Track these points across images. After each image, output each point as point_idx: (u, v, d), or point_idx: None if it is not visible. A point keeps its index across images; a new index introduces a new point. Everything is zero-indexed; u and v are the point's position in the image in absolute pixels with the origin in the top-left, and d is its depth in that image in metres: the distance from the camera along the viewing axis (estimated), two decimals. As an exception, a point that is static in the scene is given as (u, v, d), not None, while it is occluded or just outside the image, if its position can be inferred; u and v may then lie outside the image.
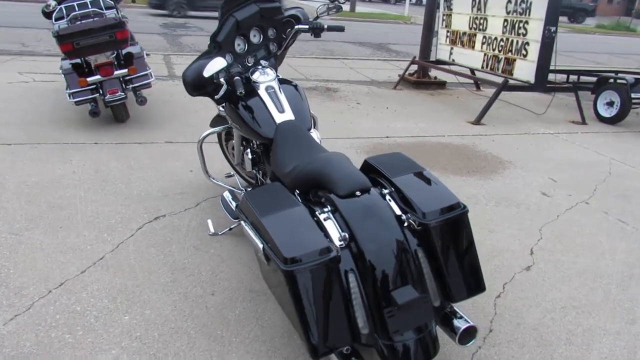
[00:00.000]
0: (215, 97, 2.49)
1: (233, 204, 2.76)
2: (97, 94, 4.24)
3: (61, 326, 2.06)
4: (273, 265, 1.65)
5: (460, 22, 6.81)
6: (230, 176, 3.26)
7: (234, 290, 2.39)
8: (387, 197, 1.91)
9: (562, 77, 6.91)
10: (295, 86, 2.67)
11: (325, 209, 1.84)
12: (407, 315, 1.69)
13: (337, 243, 1.73)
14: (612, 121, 6.13)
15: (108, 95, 4.23)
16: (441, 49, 7.32)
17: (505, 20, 5.94)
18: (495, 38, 6.14)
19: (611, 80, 6.30)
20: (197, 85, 2.47)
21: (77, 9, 4.26)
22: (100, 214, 2.98)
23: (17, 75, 6.14)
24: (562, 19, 28.28)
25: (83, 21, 4.09)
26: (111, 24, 3.99)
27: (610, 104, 6.17)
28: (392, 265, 1.71)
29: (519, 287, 2.59)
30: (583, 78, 6.87)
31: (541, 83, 5.64)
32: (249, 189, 2.98)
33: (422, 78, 7.60)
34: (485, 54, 6.35)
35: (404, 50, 11.77)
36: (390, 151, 2.19)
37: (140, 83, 4.42)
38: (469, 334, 1.79)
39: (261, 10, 2.61)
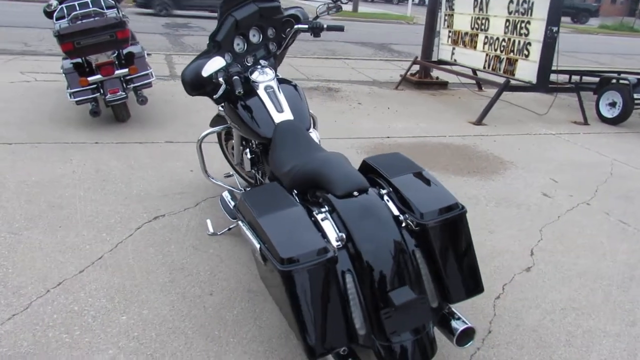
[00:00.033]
0: (214, 96, 2.49)
1: (232, 204, 2.75)
2: (98, 94, 4.24)
3: (58, 326, 2.06)
4: (270, 265, 1.64)
5: (462, 22, 6.80)
6: (230, 176, 3.26)
7: (232, 290, 2.39)
8: (385, 197, 1.90)
9: (564, 78, 6.89)
10: (295, 86, 2.66)
11: (323, 209, 1.83)
12: (405, 316, 1.68)
13: (335, 243, 1.72)
14: (614, 122, 6.11)
15: (109, 95, 4.24)
16: (443, 49, 7.30)
17: (507, 21, 5.92)
18: (497, 38, 6.12)
19: (614, 81, 6.27)
20: (196, 84, 2.46)
21: (78, 8, 4.26)
22: (99, 214, 2.98)
23: (19, 74, 6.15)
24: (565, 19, 28.23)
25: (84, 21, 4.10)
26: (112, 24, 3.99)
27: (613, 104, 6.14)
28: (389, 266, 1.70)
29: (518, 288, 2.58)
30: (585, 78, 6.85)
31: (543, 83, 5.62)
32: (248, 189, 2.98)
33: (424, 78, 7.59)
34: (487, 54, 6.34)
35: (406, 50, 11.75)
36: (391, 151, 2.18)
37: (141, 83, 4.42)
38: (467, 335, 1.78)
39: (260, 9, 2.61)
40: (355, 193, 1.82)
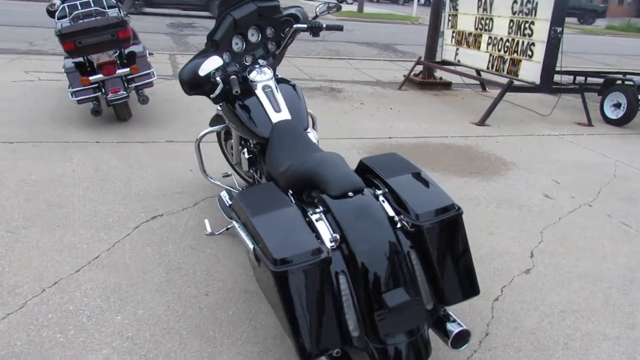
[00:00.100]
0: (211, 96, 2.48)
1: (229, 204, 2.74)
2: (99, 93, 4.25)
3: (53, 325, 2.06)
4: (263, 266, 1.63)
5: (466, 23, 6.77)
6: (228, 176, 3.25)
7: (229, 290, 2.38)
8: (381, 198, 1.88)
9: (568, 79, 6.84)
10: (293, 86, 2.65)
11: (317, 210, 1.82)
12: (398, 318, 1.67)
13: (328, 244, 1.71)
14: (618, 123, 6.05)
15: (110, 94, 4.24)
16: (447, 50, 7.27)
17: (511, 21, 5.88)
18: (501, 39, 6.08)
19: (618, 82, 6.22)
20: (194, 84, 2.45)
21: (79, 7, 4.27)
22: (98, 213, 2.98)
23: (22, 74, 6.17)
24: (572, 20, 28.12)
25: (85, 20, 4.10)
26: (113, 23, 3.99)
27: (617, 105, 6.09)
28: (383, 267, 1.68)
29: (517, 290, 2.55)
30: (590, 79, 6.79)
31: (547, 84, 5.58)
32: (242, 189, 2.97)
33: (427, 79, 7.56)
34: (490, 55, 6.30)
35: (411, 50, 11.72)
36: (393, 152, 2.16)
37: (143, 82, 4.43)
38: (462, 337, 1.76)
39: (259, 9, 2.60)
40: (350, 193, 1.80)
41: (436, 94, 7.20)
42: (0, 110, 4.67)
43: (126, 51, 4.43)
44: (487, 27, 6.34)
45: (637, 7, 38.02)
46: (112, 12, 4.33)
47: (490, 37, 6.29)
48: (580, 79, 6.84)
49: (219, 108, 2.83)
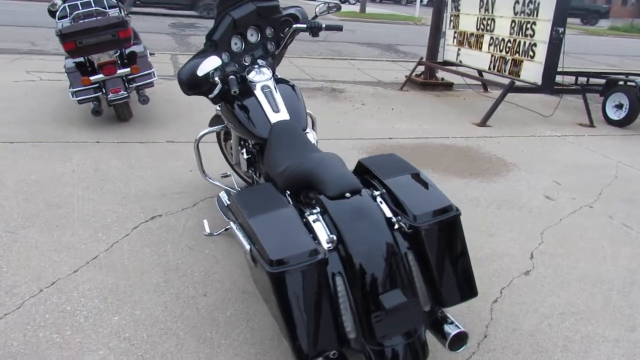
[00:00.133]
0: (210, 96, 2.47)
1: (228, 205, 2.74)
2: (100, 93, 4.25)
3: (50, 326, 2.05)
4: (260, 267, 1.62)
5: (468, 23, 6.75)
6: (227, 176, 3.24)
7: (226, 291, 2.37)
8: (379, 198, 1.87)
9: (570, 79, 6.82)
10: (293, 86, 2.64)
11: (315, 211, 1.81)
12: (395, 320, 1.66)
13: (325, 245, 1.70)
14: (620, 124, 6.03)
15: (111, 94, 4.24)
16: (448, 50, 7.26)
17: (513, 21, 5.87)
18: (503, 39, 6.07)
19: (620, 83, 6.20)
20: (192, 84, 2.45)
21: (80, 7, 4.27)
22: (96, 213, 2.98)
23: (24, 74, 6.18)
24: (575, 20, 28.05)
25: (86, 20, 4.10)
26: (114, 23, 3.99)
27: (619, 106, 6.07)
28: (380, 269, 1.68)
29: (516, 292, 2.54)
30: (593, 80, 6.77)
31: (548, 85, 5.56)
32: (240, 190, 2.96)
33: (429, 79, 7.55)
34: (492, 55, 6.28)
35: (413, 51, 11.70)
36: (393, 152, 2.16)
37: (143, 82, 4.43)
38: (460, 339, 1.75)
39: (258, 8, 2.59)
40: (348, 194, 1.80)
41: (438, 94, 7.18)
42: (1, 110, 4.68)
43: (127, 51, 4.43)
44: (489, 28, 6.33)
45: (641, 8, 37.90)
46: (113, 12, 4.33)
47: (492, 38, 6.27)
48: (582, 79, 6.81)
49: (217, 108, 2.82)
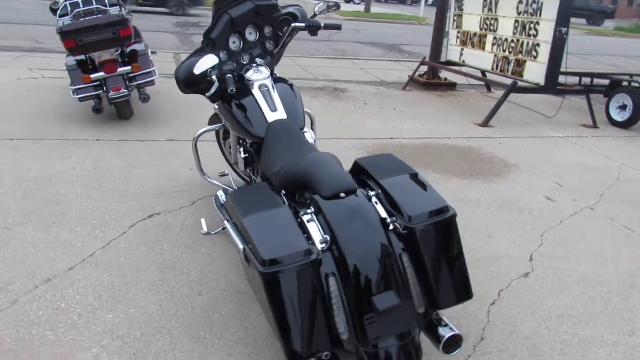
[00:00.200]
0: (207, 95, 2.46)
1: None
2: (101, 91, 4.26)
3: (44, 323, 2.05)
4: (253, 267, 1.61)
5: (471, 23, 6.72)
6: (225, 175, 3.23)
7: (222, 290, 2.36)
8: (374, 199, 1.85)
9: (574, 80, 6.76)
10: (291, 85, 2.63)
11: (309, 211, 1.79)
12: (389, 322, 1.64)
13: (319, 246, 1.69)
14: (624, 125, 5.98)
15: (112, 93, 4.24)
16: (452, 50, 7.23)
17: (516, 21, 5.83)
18: (506, 39, 6.03)
19: (625, 84, 6.15)
20: (189, 82, 2.44)
21: (81, 5, 4.27)
22: (94, 211, 2.97)
23: (27, 71, 6.20)
24: (580, 21, 27.89)
25: (87, 18, 4.11)
26: (114, 21, 3.99)
27: (623, 107, 6.02)
28: (374, 270, 1.66)
29: (515, 294, 2.52)
30: (596, 81, 6.72)
31: (551, 85, 5.53)
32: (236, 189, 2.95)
33: (432, 79, 7.52)
34: (495, 55, 6.25)
35: (417, 51, 11.65)
36: (395, 152, 2.14)
37: (144, 81, 4.43)
38: (455, 342, 1.73)
39: (257, 7, 2.58)
40: (343, 194, 1.78)
41: (441, 94, 7.15)
42: (3, 108, 4.68)
43: (128, 49, 4.42)
44: (492, 28, 6.29)
45: (647, 9, 37.67)
46: (114, 11, 4.33)
47: (495, 38, 6.24)
48: (586, 80, 6.76)
49: (216, 107, 2.82)
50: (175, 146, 4.14)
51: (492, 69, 6.33)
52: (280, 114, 2.41)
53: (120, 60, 4.34)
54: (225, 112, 2.54)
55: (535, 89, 5.74)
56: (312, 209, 1.80)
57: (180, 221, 2.95)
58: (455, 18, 7.09)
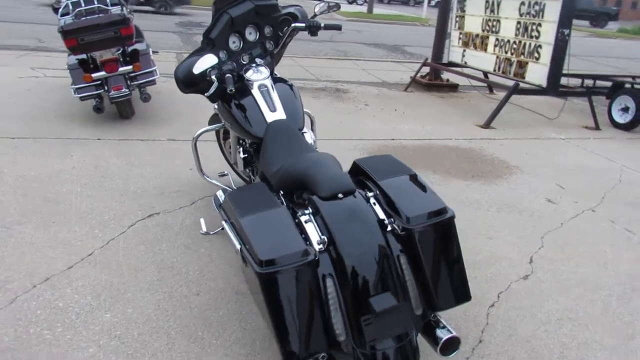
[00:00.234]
0: (205, 94, 2.46)
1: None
2: (102, 90, 4.26)
3: (41, 322, 2.05)
4: (249, 267, 1.61)
5: (473, 24, 6.71)
6: (224, 175, 3.22)
7: (220, 291, 2.35)
8: (372, 200, 1.85)
9: (577, 82, 6.75)
10: (291, 85, 2.62)
11: (307, 211, 1.79)
12: (386, 323, 1.63)
13: (316, 246, 1.68)
14: (626, 127, 5.96)
15: (112, 92, 4.24)
16: (453, 51, 7.22)
17: (518, 23, 5.82)
18: (508, 40, 6.02)
19: (627, 85, 6.13)
20: (188, 82, 2.43)
21: (82, 4, 4.28)
22: (94, 210, 2.97)
23: (29, 70, 6.20)
24: (584, 22, 27.83)
25: (88, 17, 4.11)
26: (116, 20, 3.99)
27: (625, 109, 6.00)
28: (371, 271, 1.65)
29: (514, 296, 2.51)
30: (599, 83, 6.70)
31: (553, 87, 5.51)
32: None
33: (433, 80, 7.51)
34: (497, 57, 6.24)
35: (419, 52, 11.64)
36: (395, 153, 2.13)
37: (145, 80, 4.43)
38: (452, 344, 1.72)
39: (256, 7, 2.57)
40: (340, 195, 1.77)
41: (442, 95, 7.14)
42: (4, 106, 4.69)
43: (129, 49, 4.42)
44: (494, 29, 6.28)
45: (651, 11, 37.57)
46: (115, 10, 4.33)
47: (497, 39, 6.23)
48: (588, 82, 6.75)
49: (215, 107, 2.81)
50: (175, 146, 4.14)
51: (494, 70, 6.32)
52: (280, 114, 2.40)
53: (121, 59, 4.34)
54: (225, 111, 2.54)
55: (537, 91, 5.72)
56: (310, 210, 1.79)
57: (180, 221, 2.95)
58: (457, 19, 7.08)
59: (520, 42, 5.80)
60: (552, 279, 2.68)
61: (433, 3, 28.59)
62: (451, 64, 7.22)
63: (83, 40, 3.93)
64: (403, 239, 1.75)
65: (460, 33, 7.01)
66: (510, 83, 5.90)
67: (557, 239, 3.11)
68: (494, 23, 6.26)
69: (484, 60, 6.50)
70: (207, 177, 3.01)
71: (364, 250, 1.68)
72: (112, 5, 4.38)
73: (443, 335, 1.71)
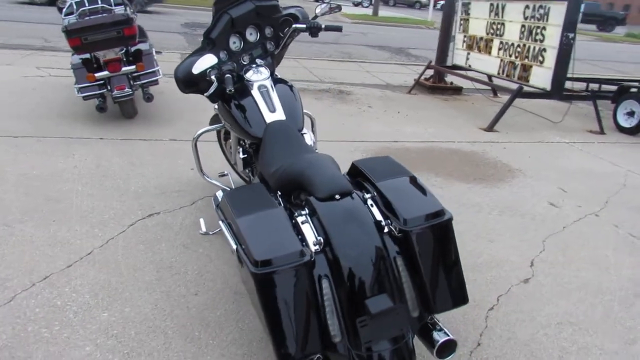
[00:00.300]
0: (205, 94, 2.46)
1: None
2: (105, 90, 4.27)
3: (39, 320, 2.05)
4: (245, 267, 1.60)
5: (478, 27, 6.69)
6: (224, 175, 3.22)
7: (218, 291, 2.35)
8: (369, 201, 1.84)
9: (582, 86, 6.72)
10: (291, 86, 2.61)
11: (304, 212, 1.78)
12: (382, 325, 1.62)
13: (312, 247, 1.67)
14: (632, 132, 5.92)
15: (115, 91, 4.26)
16: (458, 54, 7.20)
17: (523, 26, 5.80)
18: (512, 44, 6.00)
19: (633, 90, 6.09)
20: (188, 82, 2.43)
21: (86, 4, 4.30)
22: (94, 209, 2.98)
23: (34, 69, 6.24)
24: (591, 27, 27.72)
25: (92, 17, 4.13)
26: (119, 20, 4.00)
27: (631, 113, 5.96)
28: (368, 273, 1.64)
29: (514, 300, 2.49)
30: (604, 87, 6.66)
31: (557, 91, 5.49)
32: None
33: (437, 83, 7.49)
34: (501, 60, 6.22)
35: (424, 54, 11.62)
36: (397, 155, 2.12)
37: (148, 80, 4.43)
38: (449, 347, 1.71)
39: (257, 7, 2.57)
40: (337, 196, 1.77)
41: (446, 98, 7.12)
42: (8, 105, 4.72)
43: (132, 49, 4.44)
44: (498, 32, 6.26)
45: (659, 15, 37.39)
46: (119, 10, 4.35)
47: (501, 42, 6.21)
48: (593, 86, 6.71)
49: (215, 107, 2.81)
50: (177, 146, 4.14)
51: (498, 73, 6.30)
52: (279, 115, 2.40)
53: (124, 59, 4.36)
54: (224, 112, 2.54)
55: (541, 94, 5.70)
56: (307, 210, 1.79)
57: (179, 221, 2.95)
58: (462, 22, 7.07)
59: (524, 45, 5.78)
60: (553, 283, 2.66)
61: (439, 6, 28.56)
62: (455, 67, 7.20)
63: (86, 40, 3.94)
64: (400, 241, 1.74)
65: (465, 36, 7.00)
66: (514, 86, 5.88)
67: (559, 243, 3.09)
68: (499, 26, 6.24)
69: (488, 63, 6.49)
70: (207, 177, 3.01)
71: (361, 251, 1.67)
72: (116, 5, 4.40)
73: (440, 337, 1.70)
